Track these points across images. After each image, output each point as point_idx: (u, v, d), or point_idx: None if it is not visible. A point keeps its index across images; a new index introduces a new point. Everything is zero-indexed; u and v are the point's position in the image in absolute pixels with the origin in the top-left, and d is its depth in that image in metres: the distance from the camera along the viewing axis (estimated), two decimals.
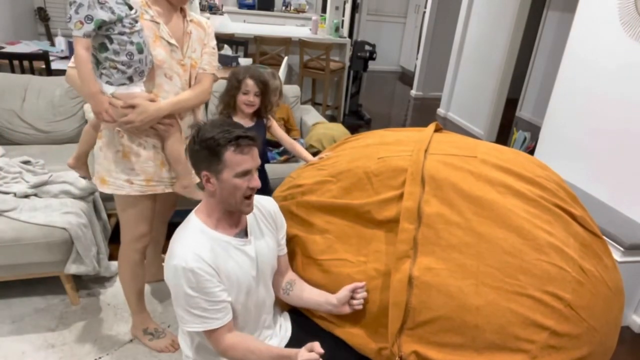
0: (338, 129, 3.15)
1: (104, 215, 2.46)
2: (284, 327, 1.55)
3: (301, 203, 1.76)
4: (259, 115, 2.07)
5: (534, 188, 1.49)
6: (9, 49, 3.64)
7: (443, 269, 1.37)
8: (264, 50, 4.84)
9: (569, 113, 3.18)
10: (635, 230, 2.50)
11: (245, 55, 4.61)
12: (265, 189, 2.08)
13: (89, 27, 1.42)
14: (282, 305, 1.64)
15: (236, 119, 1.96)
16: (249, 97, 1.95)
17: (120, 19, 1.49)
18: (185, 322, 1.29)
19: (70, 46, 3.47)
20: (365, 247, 1.54)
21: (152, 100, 1.61)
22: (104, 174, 1.70)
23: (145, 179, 1.70)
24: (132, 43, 1.52)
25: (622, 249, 2.40)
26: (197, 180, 1.68)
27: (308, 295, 1.51)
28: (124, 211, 1.77)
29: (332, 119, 5.39)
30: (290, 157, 2.99)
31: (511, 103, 5.96)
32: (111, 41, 1.51)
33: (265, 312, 1.47)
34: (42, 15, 4.59)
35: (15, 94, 2.79)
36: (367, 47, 5.21)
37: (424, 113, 6.39)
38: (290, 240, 1.65)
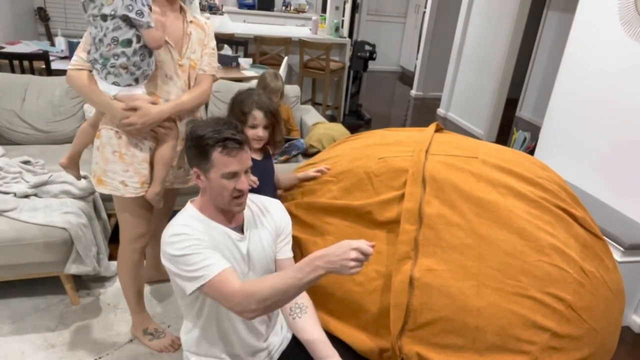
0: (338, 129, 3.15)
1: (104, 215, 2.45)
2: (285, 327, 1.54)
3: (301, 204, 1.76)
4: (269, 147, 1.80)
5: (535, 189, 1.48)
6: (9, 49, 3.64)
7: (444, 270, 1.37)
8: (264, 50, 4.84)
9: (569, 113, 3.17)
10: (635, 230, 2.50)
11: (245, 55, 4.61)
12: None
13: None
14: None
15: None
16: (257, 132, 1.66)
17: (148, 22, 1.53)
18: (189, 280, 1.21)
19: (70, 46, 3.47)
20: None
21: (153, 103, 1.61)
22: (101, 174, 1.70)
23: (139, 181, 1.70)
24: (146, 45, 1.55)
25: (622, 249, 2.40)
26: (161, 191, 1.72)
27: (315, 340, 1.36)
28: (122, 212, 1.77)
29: (332, 119, 5.39)
30: (290, 157, 2.99)
31: (511, 103, 5.96)
32: (138, 40, 1.52)
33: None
34: (42, 15, 4.59)
35: (15, 94, 2.78)
36: (367, 47, 5.21)
37: (424, 113, 6.39)
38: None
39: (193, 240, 1.23)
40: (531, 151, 3.81)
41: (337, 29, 5.24)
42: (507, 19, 4.90)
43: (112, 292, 2.30)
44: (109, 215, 2.53)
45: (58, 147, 2.79)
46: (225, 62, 3.89)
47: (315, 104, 5.30)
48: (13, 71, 3.25)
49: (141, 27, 1.53)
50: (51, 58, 3.45)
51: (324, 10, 6.91)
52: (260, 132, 1.67)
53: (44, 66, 3.29)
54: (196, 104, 1.74)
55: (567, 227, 1.43)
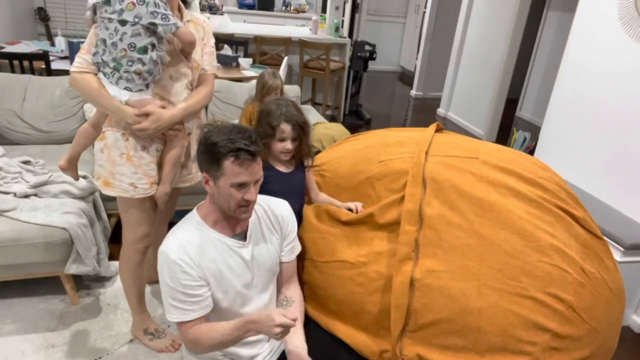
0: (338, 129, 3.15)
1: (104, 215, 2.45)
2: None
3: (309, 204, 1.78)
4: (298, 158, 1.77)
5: (536, 189, 1.48)
6: (9, 49, 3.64)
7: (445, 271, 1.37)
8: (264, 50, 4.84)
9: (569, 113, 3.17)
10: (635, 230, 2.50)
11: (245, 55, 4.61)
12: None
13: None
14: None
15: (274, 164, 1.73)
16: (285, 145, 1.64)
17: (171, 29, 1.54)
18: (167, 311, 1.32)
19: (71, 46, 3.47)
20: (365, 247, 1.53)
21: (162, 107, 1.61)
22: (108, 176, 1.68)
23: (148, 182, 1.70)
24: (160, 50, 1.56)
25: (622, 249, 2.40)
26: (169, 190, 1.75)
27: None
28: (127, 212, 1.77)
29: (332, 119, 5.39)
30: None
31: (511, 103, 5.96)
32: (153, 48, 1.52)
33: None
34: (42, 15, 4.59)
35: (15, 94, 2.78)
36: (367, 47, 5.21)
37: (424, 113, 6.38)
38: None
39: (183, 275, 1.27)
40: (531, 151, 3.81)
41: (337, 29, 5.24)
42: (507, 19, 4.90)
43: (112, 292, 2.30)
44: (109, 215, 2.53)
45: (58, 147, 2.79)
46: (225, 62, 3.89)
47: (315, 104, 5.30)
48: (13, 71, 3.25)
49: (170, 31, 1.53)
50: (51, 58, 3.45)
51: (324, 10, 6.91)
52: (289, 145, 1.65)
53: (44, 66, 3.29)
54: (203, 104, 1.75)
55: (567, 228, 1.43)
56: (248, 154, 1.24)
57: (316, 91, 5.36)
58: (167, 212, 2.16)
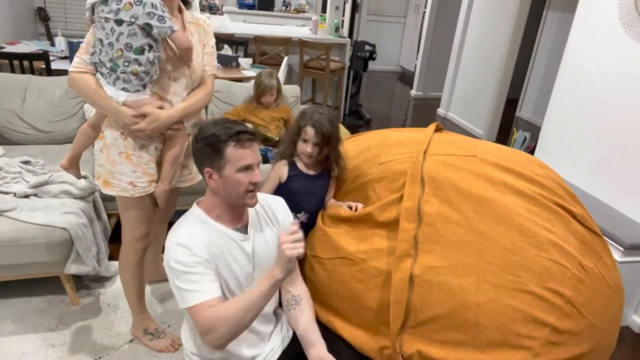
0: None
1: (104, 215, 2.46)
2: (286, 327, 1.54)
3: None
4: (325, 165, 1.79)
5: (534, 186, 1.49)
6: (9, 49, 3.64)
7: (444, 267, 1.38)
8: (264, 50, 4.84)
9: (569, 113, 3.18)
10: (635, 230, 2.50)
11: (245, 55, 4.61)
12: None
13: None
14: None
15: (300, 165, 1.77)
16: (307, 147, 1.70)
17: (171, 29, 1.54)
18: (181, 298, 1.26)
19: (71, 46, 3.47)
20: (365, 244, 1.54)
21: (160, 107, 1.61)
22: (107, 175, 1.68)
23: (147, 180, 1.70)
24: (157, 50, 1.56)
25: (622, 249, 2.40)
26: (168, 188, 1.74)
27: (302, 329, 1.42)
28: (126, 212, 1.77)
29: None
30: None
31: (511, 103, 5.96)
32: (150, 48, 1.52)
33: (266, 308, 1.47)
34: (42, 15, 4.59)
35: (15, 94, 2.78)
36: (367, 47, 5.21)
37: (424, 113, 6.39)
38: None
39: (192, 257, 1.25)
40: (531, 151, 3.81)
41: (337, 29, 5.24)
42: (507, 19, 4.90)
43: (112, 292, 2.30)
44: (109, 215, 2.53)
45: (58, 147, 2.79)
46: (225, 62, 3.89)
47: (315, 104, 5.30)
48: (13, 71, 3.25)
49: (165, 33, 1.53)
50: (51, 58, 3.45)
51: (324, 10, 6.91)
52: (309, 148, 1.69)
53: (44, 66, 3.29)
54: (202, 105, 1.75)
55: (565, 224, 1.44)
56: (248, 134, 1.27)
57: (316, 91, 5.36)
58: (167, 212, 2.16)
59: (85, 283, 2.35)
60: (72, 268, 2.10)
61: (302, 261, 1.64)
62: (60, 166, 1.88)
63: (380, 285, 1.45)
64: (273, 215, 1.48)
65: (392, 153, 1.69)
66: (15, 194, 2.16)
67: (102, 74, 1.56)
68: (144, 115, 1.57)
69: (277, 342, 1.48)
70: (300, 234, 1.22)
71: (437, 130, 1.83)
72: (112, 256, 2.38)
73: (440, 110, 6.25)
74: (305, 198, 1.70)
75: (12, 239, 1.98)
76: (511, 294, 1.32)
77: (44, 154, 2.64)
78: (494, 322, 1.30)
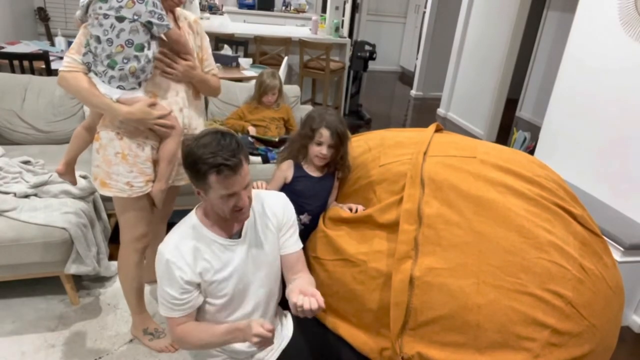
0: None
1: (104, 215, 2.45)
2: (286, 327, 1.54)
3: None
4: (331, 167, 1.78)
5: (534, 187, 1.49)
6: (9, 49, 3.64)
7: (444, 269, 1.38)
8: (264, 50, 4.84)
9: (568, 113, 3.18)
10: (635, 230, 2.50)
11: (245, 55, 4.61)
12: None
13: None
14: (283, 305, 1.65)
15: (305, 167, 1.76)
16: (321, 150, 1.68)
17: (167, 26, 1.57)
18: (159, 304, 1.37)
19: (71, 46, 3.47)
20: (366, 245, 1.54)
21: (152, 105, 1.62)
22: (104, 177, 1.68)
23: (144, 180, 1.70)
24: (155, 48, 1.58)
25: (622, 249, 2.40)
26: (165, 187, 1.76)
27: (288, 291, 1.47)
28: (124, 212, 1.77)
29: None
30: None
31: (511, 103, 5.96)
32: (149, 46, 1.54)
33: (261, 312, 1.47)
34: (42, 15, 4.59)
35: (15, 94, 2.78)
36: (367, 47, 5.21)
37: (424, 113, 6.39)
38: None
39: (172, 275, 1.31)
40: (531, 151, 3.81)
41: (337, 29, 5.24)
42: (507, 19, 4.90)
43: (112, 292, 2.30)
44: (109, 215, 2.53)
45: (58, 147, 2.79)
46: (225, 62, 3.89)
47: (315, 104, 5.30)
48: (13, 71, 3.25)
49: (162, 31, 1.56)
50: (51, 58, 3.45)
51: (324, 10, 6.91)
52: (324, 150, 1.68)
53: (44, 66, 3.30)
54: (211, 87, 1.84)
55: (565, 225, 1.44)
56: (229, 170, 1.23)
57: (316, 91, 5.36)
58: (166, 211, 2.16)
59: (85, 283, 2.35)
60: (72, 268, 2.10)
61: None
62: (56, 172, 1.86)
63: (381, 286, 1.45)
64: (272, 213, 1.47)
65: (392, 155, 1.69)
66: (15, 194, 2.16)
67: (96, 73, 1.56)
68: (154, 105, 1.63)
69: (276, 344, 1.48)
70: (269, 336, 1.22)
71: (438, 130, 1.83)
72: (112, 256, 2.38)
73: (440, 110, 6.25)
74: (309, 200, 1.70)
75: (12, 239, 1.98)
76: (511, 296, 1.32)
77: (44, 154, 2.64)
78: (494, 323, 1.30)
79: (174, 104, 1.70)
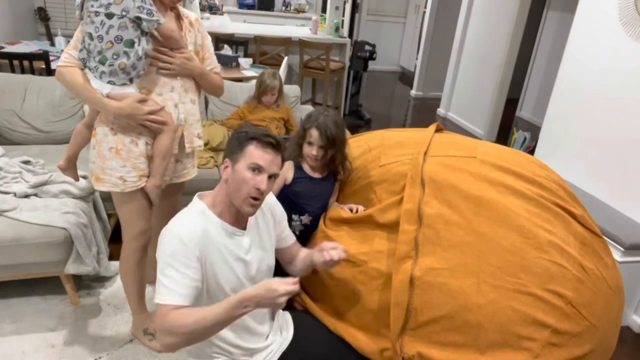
0: None
1: (104, 215, 2.45)
2: (285, 328, 1.54)
3: None
4: (331, 168, 1.76)
5: (534, 187, 1.49)
6: (9, 49, 3.64)
7: (444, 269, 1.38)
8: (264, 50, 4.84)
9: (569, 113, 3.18)
10: (635, 230, 2.50)
11: (245, 55, 4.61)
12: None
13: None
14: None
15: (306, 168, 1.75)
16: (312, 150, 1.68)
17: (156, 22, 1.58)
18: (156, 292, 1.25)
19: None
20: (366, 245, 1.54)
21: (143, 100, 1.63)
22: (98, 172, 1.71)
23: (137, 175, 1.71)
24: (147, 45, 1.59)
25: (622, 249, 2.40)
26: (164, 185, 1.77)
27: (300, 264, 1.55)
28: (121, 208, 1.78)
29: None
30: None
31: (511, 103, 5.96)
32: (139, 42, 1.55)
33: (262, 310, 1.47)
34: (42, 15, 4.59)
35: (15, 94, 2.78)
36: (367, 47, 5.21)
37: (424, 113, 6.39)
38: None
39: (183, 251, 1.24)
40: (531, 151, 3.81)
41: (337, 29, 5.24)
42: (507, 19, 4.90)
43: (112, 292, 2.30)
44: (109, 215, 2.53)
45: (58, 147, 2.79)
46: (225, 62, 3.89)
47: (315, 103, 5.30)
48: (13, 71, 3.25)
49: (152, 26, 1.57)
50: (51, 58, 3.45)
51: (324, 10, 6.91)
52: (314, 151, 1.68)
53: (44, 66, 3.30)
54: (213, 83, 1.85)
55: (565, 225, 1.44)
56: (273, 140, 1.31)
57: (316, 91, 5.36)
58: (170, 210, 2.14)
59: (85, 283, 2.35)
60: (72, 268, 2.10)
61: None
62: (58, 167, 1.89)
63: (381, 287, 1.45)
64: (269, 211, 1.48)
65: (393, 155, 1.69)
66: (15, 194, 2.16)
67: (89, 68, 1.59)
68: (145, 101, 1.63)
69: (275, 347, 1.48)
70: (297, 289, 1.20)
71: (438, 130, 1.83)
72: (112, 256, 2.38)
73: (440, 110, 6.25)
74: (309, 201, 1.70)
75: (12, 239, 1.98)
76: (511, 296, 1.32)
77: (44, 154, 2.64)
78: (495, 323, 1.30)
79: (168, 99, 1.71)
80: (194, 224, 1.30)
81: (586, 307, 1.34)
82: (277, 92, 3.01)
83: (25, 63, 3.28)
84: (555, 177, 1.59)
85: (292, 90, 3.37)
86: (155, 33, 1.62)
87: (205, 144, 2.84)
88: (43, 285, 2.29)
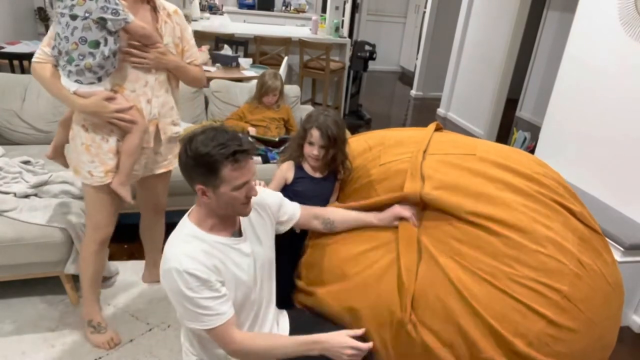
0: None
1: None
2: (282, 325, 1.54)
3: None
4: (332, 167, 1.76)
5: (532, 184, 1.50)
6: (9, 49, 3.64)
7: (443, 260, 1.40)
8: (264, 50, 4.85)
9: (569, 113, 3.17)
10: (635, 230, 2.50)
11: (245, 55, 4.61)
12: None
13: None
14: (278, 302, 1.64)
15: (306, 168, 1.75)
16: (313, 150, 1.68)
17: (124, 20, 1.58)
18: (189, 320, 1.25)
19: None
20: (368, 238, 1.58)
21: (111, 98, 1.65)
22: (76, 163, 1.78)
23: (104, 170, 1.75)
24: (115, 44, 1.59)
25: (622, 249, 2.40)
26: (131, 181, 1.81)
27: (351, 219, 1.61)
28: (86, 198, 1.85)
29: None
30: None
31: (511, 103, 5.96)
32: (106, 42, 1.56)
33: (264, 307, 1.46)
34: (42, 15, 4.59)
35: (15, 94, 2.79)
36: (367, 47, 5.21)
37: (424, 113, 6.39)
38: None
39: (203, 280, 1.21)
40: (531, 151, 3.82)
41: (337, 29, 5.24)
42: (507, 19, 4.90)
43: (112, 292, 2.30)
44: None
45: None
46: (225, 62, 3.89)
47: (315, 103, 5.30)
48: (13, 71, 3.25)
49: (119, 25, 1.57)
50: None
51: (324, 10, 6.91)
52: (315, 151, 1.67)
53: None
54: (191, 75, 1.87)
55: (564, 221, 1.44)
56: (245, 153, 1.21)
57: (316, 91, 5.36)
58: (158, 202, 2.14)
59: None
60: (72, 268, 2.10)
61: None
62: (46, 156, 1.96)
63: (383, 280, 1.46)
64: (261, 206, 1.46)
65: (393, 154, 1.70)
66: (15, 194, 2.16)
67: (60, 66, 1.62)
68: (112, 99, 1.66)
69: None
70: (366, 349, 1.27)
71: (437, 129, 1.84)
72: (112, 256, 2.38)
73: (440, 110, 6.25)
74: (310, 200, 1.69)
75: (12, 239, 1.98)
76: (508, 286, 1.33)
77: (44, 154, 2.64)
78: (491, 312, 1.31)
79: (141, 95, 1.74)
80: (196, 254, 1.24)
81: (584, 302, 1.35)
82: (279, 92, 3.01)
83: (25, 63, 3.28)
84: (554, 174, 1.59)
85: (292, 91, 3.37)
86: (125, 32, 1.63)
87: None
88: (43, 285, 2.29)
